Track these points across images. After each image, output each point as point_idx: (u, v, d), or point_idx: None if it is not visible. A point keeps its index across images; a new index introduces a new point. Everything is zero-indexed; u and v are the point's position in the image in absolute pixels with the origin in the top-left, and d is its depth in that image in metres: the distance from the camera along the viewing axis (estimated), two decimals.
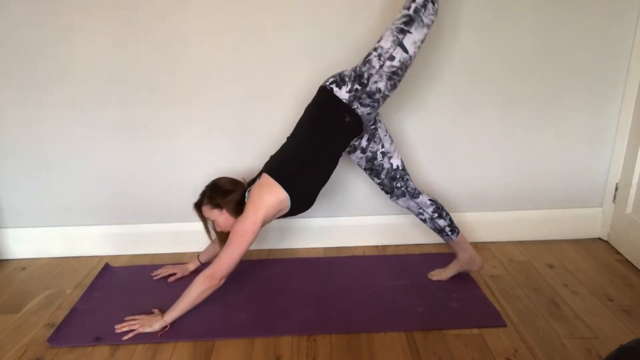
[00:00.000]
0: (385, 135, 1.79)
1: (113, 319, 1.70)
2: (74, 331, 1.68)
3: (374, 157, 1.78)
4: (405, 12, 1.59)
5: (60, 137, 2.07)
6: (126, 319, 1.69)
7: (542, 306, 1.75)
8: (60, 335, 1.66)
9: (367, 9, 1.92)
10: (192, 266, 2.01)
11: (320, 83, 1.73)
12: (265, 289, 1.90)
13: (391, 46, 1.58)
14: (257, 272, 2.03)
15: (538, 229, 2.25)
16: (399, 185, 1.81)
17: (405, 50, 1.59)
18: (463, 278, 1.92)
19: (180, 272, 1.98)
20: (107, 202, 2.17)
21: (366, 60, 1.62)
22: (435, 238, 2.18)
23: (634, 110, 2.01)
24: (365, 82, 1.61)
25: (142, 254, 2.23)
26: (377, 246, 2.25)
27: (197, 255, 2.02)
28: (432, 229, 1.87)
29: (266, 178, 1.66)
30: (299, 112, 1.74)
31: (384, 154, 1.78)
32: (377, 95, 1.63)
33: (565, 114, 2.09)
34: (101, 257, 2.21)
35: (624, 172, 2.10)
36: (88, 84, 2.00)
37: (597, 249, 2.16)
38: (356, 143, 1.77)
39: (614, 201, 2.16)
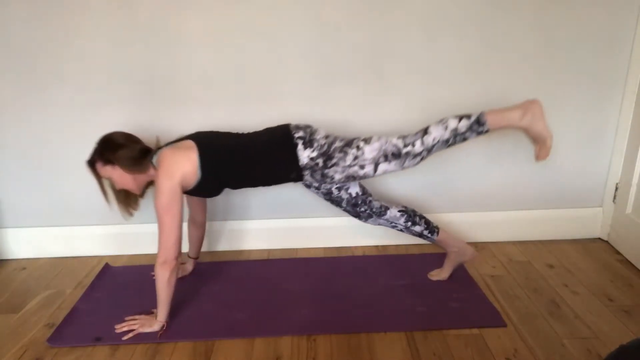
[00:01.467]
0: None
1: (113, 319, 1.71)
2: (74, 331, 1.68)
3: (330, 192, 1.78)
4: (401, 145, 1.61)
5: (60, 137, 2.07)
6: (126, 319, 1.70)
7: (542, 306, 1.75)
8: (60, 335, 1.66)
9: (368, 9, 1.92)
10: (189, 266, 2.02)
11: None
12: (265, 289, 1.90)
13: (369, 159, 1.62)
14: (257, 272, 2.03)
15: (538, 229, 2.24)
16: (362, 209, 1.81)
17: (375, 170, 1.64)
18: (463, 278, 1.92)
19: (179, 272, 1.98)
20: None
21: (344, 149, 1.62)
22: None
23: (634, 110, 2.01)
24: (329, 165, 1.63)
25: (142, 254, 2.23)
26: (377, 246, 2.25)
27: (187, 254, 2.02)
28: (411, 235, 1.87)
29: (190, 143, 1.62)
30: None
31: (339, 189, 1.78)
32: (327, 180, 1.67)
33: (565, 114, 2.09)
34: (101, 257, 2.21)
35: (624, 172, 2.10)
36: (88, 84, 2.00)
37: (597, 249, 2.16)
38: (307, 183, 1.75)
39: (614, 201, 2.16)
